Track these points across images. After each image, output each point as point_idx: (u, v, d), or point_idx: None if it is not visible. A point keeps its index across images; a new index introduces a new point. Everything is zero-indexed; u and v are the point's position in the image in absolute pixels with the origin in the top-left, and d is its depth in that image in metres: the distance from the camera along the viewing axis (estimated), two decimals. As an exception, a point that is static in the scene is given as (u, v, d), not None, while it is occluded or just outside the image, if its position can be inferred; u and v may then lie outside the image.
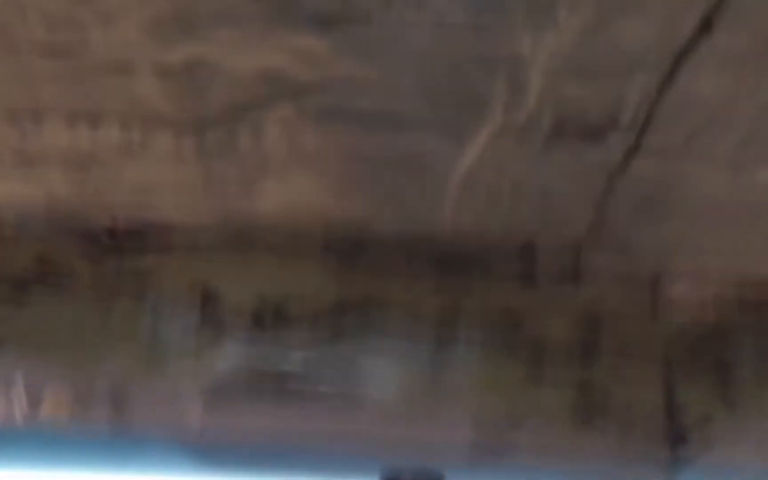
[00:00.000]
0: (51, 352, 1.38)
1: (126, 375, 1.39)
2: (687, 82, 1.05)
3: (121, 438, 1.44)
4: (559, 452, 1.47)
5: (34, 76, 1.07)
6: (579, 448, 1.46)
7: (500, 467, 1.49)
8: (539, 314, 1.39)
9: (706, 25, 0.96)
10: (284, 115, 1.13)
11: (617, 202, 1.26)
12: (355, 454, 1.46)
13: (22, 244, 1.34)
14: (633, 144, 1.17)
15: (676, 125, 1.14)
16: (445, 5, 0.95)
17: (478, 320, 1.39)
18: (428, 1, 0.95)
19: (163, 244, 1.35)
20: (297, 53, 1.02)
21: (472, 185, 1.23)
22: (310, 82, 1.07)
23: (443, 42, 1.00)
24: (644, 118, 1.11)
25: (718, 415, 1.47)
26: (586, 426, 1.43)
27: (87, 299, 1.36)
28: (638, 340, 1.42)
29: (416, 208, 1.29)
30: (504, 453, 1.45)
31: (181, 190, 1.26)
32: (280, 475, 1.67)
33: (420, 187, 1.25)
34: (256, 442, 1.46)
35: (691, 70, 1.03)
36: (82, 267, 1.35)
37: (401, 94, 1.09)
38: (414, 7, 0.95)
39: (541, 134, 1.15)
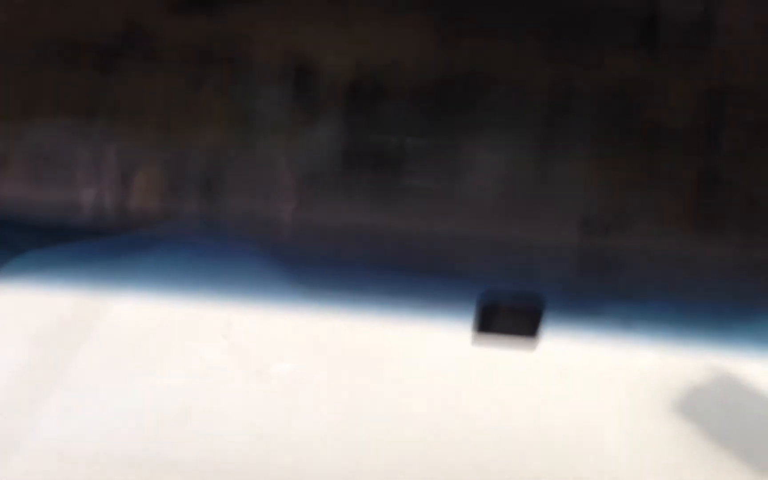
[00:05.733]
0: (141, 131, 1.33)
1: (217, 157, 1.33)
2: None
3: (211, 229, 1.38)
4: (674, 260, 1.35)
5: None
6: (697, 255, 1.34)
7: (606, 280, 1.38)
8: (659, 92, 1.25)
9: None
10: None
11: None
12: (454, 253, 1.37)
13: (108, 3, 1.28)
14: None
15: None
16: None
17: (590, 97, 1.27)
18: None
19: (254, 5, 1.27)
20: None
21: None
22: None
23: None
24: None
25: None
26: (706, 229, 1.31)
27: (176, 70, 1.29)
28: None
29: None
30: (613, 260, 1.34)
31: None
32: (375, 285, 1.61)
33: None
34: (352, 223, 1.38)
35: None
36: (169, 29, 1.28)
37: None
38: None
39: None
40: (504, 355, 1.66)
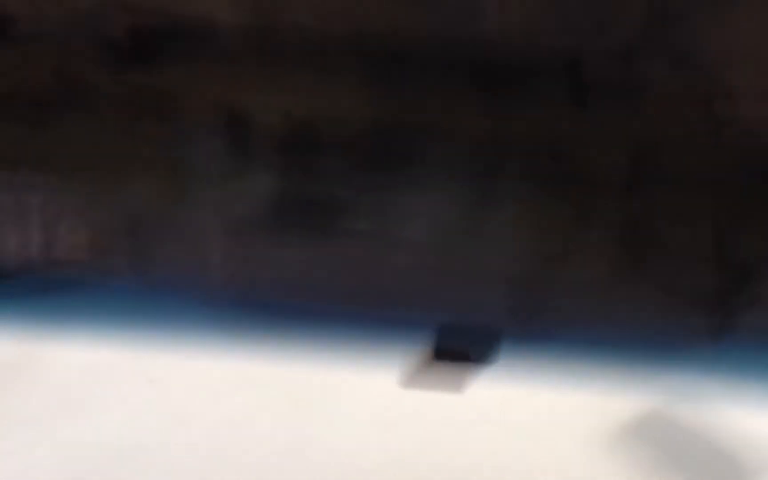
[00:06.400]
0: (69, 181, 1.31)
1: (147, 208, 1.31)
2: None
3: (140, 281, 1.36)
4: (601, 301, 1.37)
5: None
6: (623, 296, 1.36)
7: (537, 323, 1.40)
8: (588, 141, 1.28)
9: None
10: None
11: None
12: (386, 304, 1.38)
13: (39, 54, 1.26)
14: None
15: None
16: None
17: (523, 150, 1.29)
18: None
19: (188, 52, 1.27)
20: None
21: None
22: None
23: None
24: None
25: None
26: (631, 273, 1.33)
27: (108, 121, 1.28)
28: (692, 172, 1.29)
29: (458, 8, 1.19)
30: (542, 304, 1.36)
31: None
32: (306, 328, 1.59)
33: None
34: (283, 284, 1.38)
35: None
36: (103, 82, 1.27)
37: None
38: None
39: None
40: (437, 396, 1.66)
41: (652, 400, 1.62)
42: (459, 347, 1.55)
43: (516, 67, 1.25)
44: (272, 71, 1.26)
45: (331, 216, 1.31)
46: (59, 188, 1.32)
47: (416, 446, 1.52)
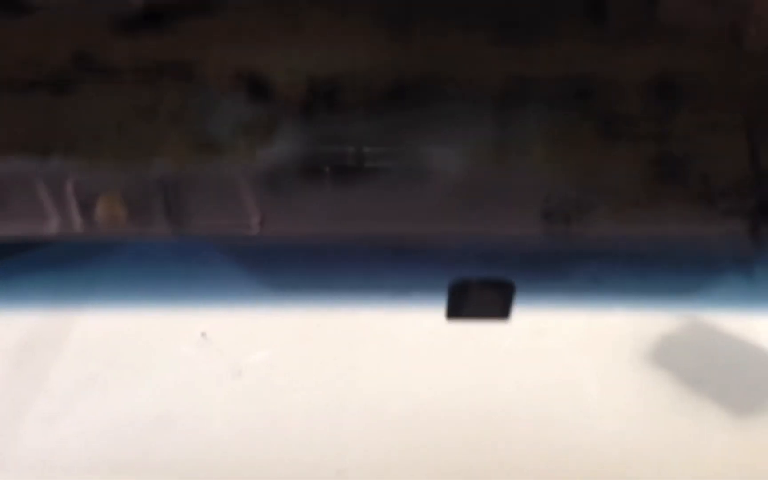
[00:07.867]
0: (98, 156, 1.33)
1: (177, 174, 1.34)
2: None
3: (179, 237, 1.39)
4: (635, 219, 1.38)
5: None
6: (657, 212, 1.36)
7: (573, 239, 1.40)
8: (611, 79, 1.27)
9: None
10: None
11: None
12: (421, 234, 1.39)
13: (55, 33, 1.27)
14: None
15: None
16: None
17: (547, 85, 1.28)
18: None
19: (204, 19, 1.27)
20: None
21: None
22: None
23: None
24: None
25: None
26: (664, 190, 1.33)
27: (128, 94, 1.30)
28: (719, 99, 1.28)
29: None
30: (578, 226, 1.37)
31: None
32: (344, 275, 1.62)
33: None
34: (317, 231, 1.40)
35: None
36: (120, 55, 1.28)
37: None
38: None
39: None
40: (478, 325, 1.67)
41: (695, 312, 1.63)
42: (472, 306, 1.57)
43: (533, 2, 1.24)
44: (291, 34, 1.26)
45: (358, 173, 1.32)
46: (90, 165, 1.34)
47: (462, 376, 1.55)
